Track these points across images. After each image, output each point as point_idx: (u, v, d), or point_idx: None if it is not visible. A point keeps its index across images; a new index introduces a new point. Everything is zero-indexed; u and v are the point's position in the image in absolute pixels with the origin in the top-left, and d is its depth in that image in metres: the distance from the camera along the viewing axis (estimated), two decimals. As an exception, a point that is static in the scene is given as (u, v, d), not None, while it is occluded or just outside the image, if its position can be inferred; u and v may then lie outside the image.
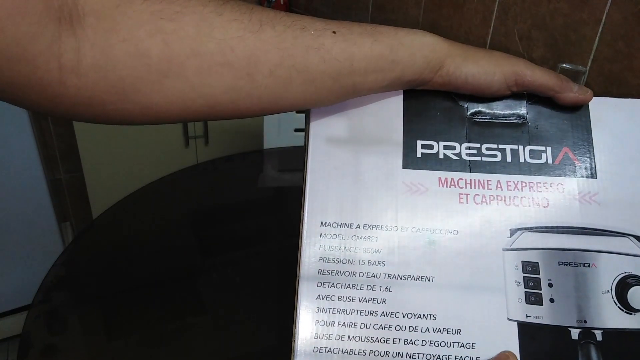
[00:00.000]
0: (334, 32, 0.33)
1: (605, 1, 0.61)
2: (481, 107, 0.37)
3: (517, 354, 0.31)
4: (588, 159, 0.35)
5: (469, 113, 0.37)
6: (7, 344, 1.47)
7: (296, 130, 1.13)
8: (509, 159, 0.36)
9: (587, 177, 0.35)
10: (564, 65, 0.65)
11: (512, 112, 0.37)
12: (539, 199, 0.35)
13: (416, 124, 0.37)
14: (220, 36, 0.30)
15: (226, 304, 0.68)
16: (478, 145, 0.36)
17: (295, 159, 1.09)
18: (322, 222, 0.34)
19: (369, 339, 0.32)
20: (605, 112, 0.36)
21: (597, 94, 0.37)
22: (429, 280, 0.33)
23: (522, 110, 0.37)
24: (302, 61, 0.32)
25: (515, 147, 0.36)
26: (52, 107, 0.29)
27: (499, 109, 0.37)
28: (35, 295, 0.67)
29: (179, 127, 1.41)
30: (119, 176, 1.35)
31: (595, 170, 0.35)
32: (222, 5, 0.31)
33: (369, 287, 0.33)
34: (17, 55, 0.26)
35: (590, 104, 0.37)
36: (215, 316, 0.65)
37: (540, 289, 0.33)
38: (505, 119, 0.37)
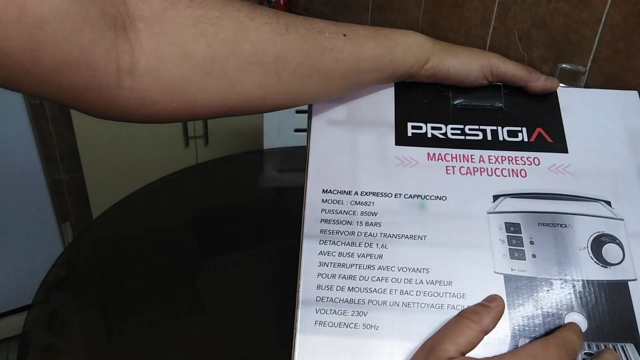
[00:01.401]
0: (344, 35, 0.37)
1: (605, 1, 0.61)
2: (463, 97, 0.42)
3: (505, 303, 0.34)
4: (560, 137, 0.40)
5: (452, 102, 0.42)
6: (7, 344, 1.47)
7: (296, 130, 1.13)
8: (489, 137, 0.41)
9: (559, 152, 0.40)
10: (563, 65, 0.65)
11: (490, 100, 0.42)
12: (518, 170, 0.39)
13: (406, 110, 0.42)
14: (255, 38, 0.33)
15: (226, 304, 0.68)
16: (461, 126, 0.41)
17: (295, 159, 1.09)
18: (323, 190, 0.38)
19: (368, 289, 0.35)
20: (572, 99, 0.42)
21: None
22: (421, 239, 0.36)
23: (499, 99, 0.42)
24: (319, 61, 0.36)
25: (494, 127, 0.41)
26: (106, 108, 0.31)
27: (479, 97, 0.42)
28: (35, 295, 0.67)
29: (179, 127, 1.41)
30: (119, 176, 1.35)
31: (567, 146, 0.40)
32: (253, 10, 0.34)
33: (366, 245, 0.36)
34: (79, 60, 0.27)
35: (558, 92, 0.42)
36: (215, 316, 0.65)
37: (523, 246, 0.36)
38: (485, 106, 0.42)
